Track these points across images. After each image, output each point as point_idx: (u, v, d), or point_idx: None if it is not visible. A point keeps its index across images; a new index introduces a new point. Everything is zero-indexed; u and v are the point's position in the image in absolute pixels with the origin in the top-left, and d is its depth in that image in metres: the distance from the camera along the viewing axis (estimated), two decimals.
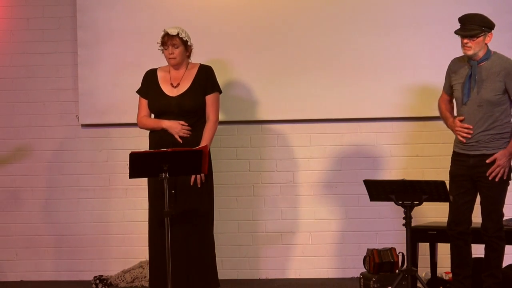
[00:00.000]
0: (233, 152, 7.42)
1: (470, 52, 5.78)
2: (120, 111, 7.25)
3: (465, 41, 5.77)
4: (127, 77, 7.10)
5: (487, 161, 5.75)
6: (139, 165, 5.66)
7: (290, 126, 7.38)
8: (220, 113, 7.25)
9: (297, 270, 7.37)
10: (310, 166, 7.37)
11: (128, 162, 5.65)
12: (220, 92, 6.25)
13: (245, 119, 7.37)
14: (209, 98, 6.16)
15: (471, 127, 5.81)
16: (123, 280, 7.19)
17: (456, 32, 5.80)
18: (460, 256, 5.93)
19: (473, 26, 5.74)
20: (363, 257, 6.66)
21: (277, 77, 7.29)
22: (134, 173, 5.70)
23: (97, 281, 7.19)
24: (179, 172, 5.76)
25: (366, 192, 5.76)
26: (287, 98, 7.28)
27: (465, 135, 5.82)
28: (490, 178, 5.75)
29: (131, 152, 5.67)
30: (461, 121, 5.85)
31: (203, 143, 6.03)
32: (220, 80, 7.22)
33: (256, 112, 7.34)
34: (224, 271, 7.29)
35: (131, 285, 7.15)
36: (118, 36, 7.36)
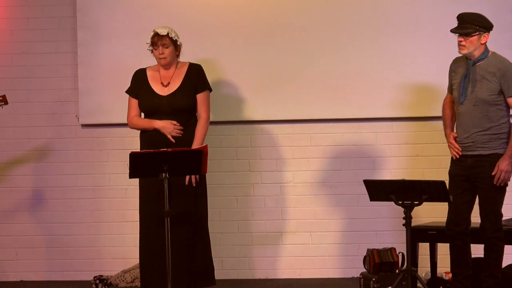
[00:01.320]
0: (233, 152, 7.42)
1: (464, 51, 5.79)
2: (120, 111, 7.20)
3: (459, 39, 5.78)
4: (127, 77, 7.05)
5: (493, 173, 5.75)
6: (139, 165, 5.66)
7: (290, 126, 7.38)
8: (220, 113, 7.29)
9: (297, 270, 7.37)
10: (310, 166, 7.37)
11: (128, 162, 5.66)
12: (211, 90, 6.25)
13: (245, 119, 7.37)
14: (200, 97, 6.16)
15: (460, 149, 5.85)
16: (123, 280, 7.19)
17: (452, 30, 5.81)
18: (459, 256, 5.93)
19: (468, 24, 5.75)
20: (363, 257, 6.66)
21: (277, 77, 7.29)
22: (134, 173, 5.70)
23: (97, 281, 7.19)
24: (179, 172, 5.77)
25: (366, 192, 5.76)
26: (287, 98, 7.28)
27: (454, 153, 5.87)
28: (496, 184, 5.77)
29: (131, 152, 5.67)
30: (455, 138, 5.91)
31: (196, 142, 6.04)
32: (221, 80, 7.25)
33: (256, 112, 7.34)
34: (224, 271, 7.29)
35: (131, 285, 7.15)
36: (118, 36, 7.36)
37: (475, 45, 5.77)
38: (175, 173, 5.70)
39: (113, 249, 7.43)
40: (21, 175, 7.51)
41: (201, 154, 5.71)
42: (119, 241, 7.39)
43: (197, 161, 5.71)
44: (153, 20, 7.21)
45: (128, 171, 5.71)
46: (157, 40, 6.10)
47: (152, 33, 6.13)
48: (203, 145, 5.88)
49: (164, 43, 6.10)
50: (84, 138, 7.50)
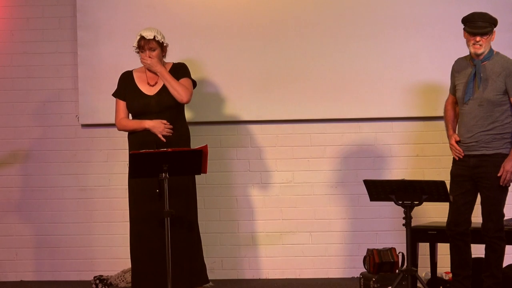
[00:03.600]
0: (233, 152, 7.41)
1: (480, 50, 5.77)
2: None
3: (478, 39, 5.75)
4: None
5: (499, 174, 5.75)
6: (139, 165, 5.67)
7: (290, 126, 7.38)
8: (221, 113, 7.31)
9: (297, 270, 7.37)
10: (310, 166, 7.37)
11: (128, 162, 5.66)
12: (193, 80, 6.24)
13: (245, 119, 7.36)
14: (181, 81, 6.15)
15: (462, 152, 5.84)
16: (123, 280, 7.19)
17: (469, 30, 5.77)
18: (459, 256, 5.93)
19: (485, 23, 5.74)
20: (363, 257, 6.66)
21: (278, 77, 7.29)
22: (134, 173, 5.71)
23: (97, 281, 7.19)
24: (179, 172, 5.77)
25: (366, 192, 5.76)
26: (287, 98, 7.28)
27: (456, 155, 5.87)
28: (503, 184, 5.77)
29: (131, 152, 5.67)
30: (457, 141, 5.89)
31: (167, 73, 6.02)
32: (221, 80, 7.25)
33: (256, 112, 7.34)
34: (224, 271, 7.29)
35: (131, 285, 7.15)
36: (118, 36, 7.35)
37: (489, 43, 5.79)
38: (175, 173, 5.70)
39: (113, 249, 7.43)
40: (21, 175, 7.51)
41: (201, 154, 5.71)
42: (119, 241, 7.38)
43: (197, 161, 5.71)
44: (153, 20, 7.21)
45: (128, 171, 5.71)
46: (143, 44, 6.11)
47: (138, 37, 6.13)
48: (204, 145, 5.88)
49: (151, 46, 6.11)
50: (84, 138, 7.50)
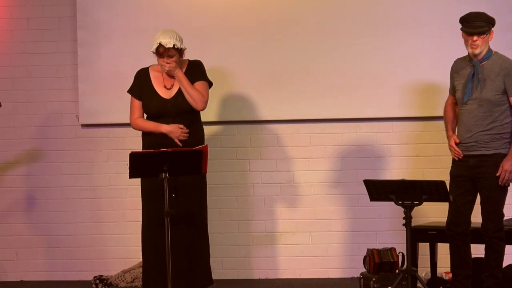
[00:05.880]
0: (233, 152, 7.42)
1: (477, 50, 5.77)
2: (120, 111, 7.22)
3: (475, 38, 5.75)
4: (127, 77, 7.05)
5: (497, 174, 5.75)
6: (139, 165, 5.66)
7: (290, 126, 7.38)
8: (220, 113, 7.30)
9: (297, 270, 7.37)
10: (310, 166, 7.37)
11: (128, 162, 5.65)
12: (210, 82, 6.20)
13: (245, 119, 7.37)
14: (197, 85, 6.11)
15: (461, 153, 5.85)
16: (123, 280, 7.19)
17: (466, 30, 5.77)
18: (459, 256, 5.93)
19: (482, 23, 5.74)
20: (363, 257, 6.66)
21: (278, 77, 7.29)
22: (134, 173, 5.70)
23: (97, 281, 7.19)
24: (179, 172, 5.76)
25: (366, 192, 5.76)
26: (288, 98, 7.29)
27: (455, 155, 5.88)
28: (501, 184, 5.77)
29: (131, 152, 5.67)
30: (457, 143, 5.89)
31: (184, 77, 6.01)
32: (220, 80, 7.24)
33: (256, 112, 7.34)
34: (224, 271, 7.29)
35: (131, 285, 7.15)
36: (118, 36, 7.36)
37: (487, 43, 5.79)
38: (175, 173, 5.69)
39: (113, 249, 7.43)
40: (21, 175, 7.51)
41: (201, 154, 5.71)
42: (119, 241, 7.39)
43: (197, 161, 5.71)
44: (153, 20, 7.22)
45: (128, 171, 5.71)
46: (163, 51, 5.99)
47: (156, 43, 5.97)
48: (204, 144, 5.88)
49: (170, 54, 6.02)
50: (84, 138, 7.50)
